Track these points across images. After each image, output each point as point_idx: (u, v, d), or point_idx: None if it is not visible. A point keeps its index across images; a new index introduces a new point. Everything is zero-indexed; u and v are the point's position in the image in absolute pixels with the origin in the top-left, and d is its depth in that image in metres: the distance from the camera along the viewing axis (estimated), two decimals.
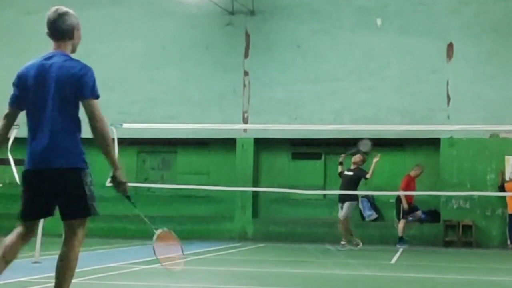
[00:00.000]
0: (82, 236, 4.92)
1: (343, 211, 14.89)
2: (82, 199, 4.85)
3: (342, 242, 14.97)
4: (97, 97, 4.87)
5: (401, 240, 16.01)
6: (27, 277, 8.04)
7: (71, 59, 4.95)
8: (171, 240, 5.41)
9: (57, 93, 4.82)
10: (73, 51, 5.08)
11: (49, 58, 4.95)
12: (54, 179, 4.83)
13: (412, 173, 16.34)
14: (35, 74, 4.89)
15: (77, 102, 4.88)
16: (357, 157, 15.21)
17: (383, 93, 17.80)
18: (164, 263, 5.42)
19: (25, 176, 4.94)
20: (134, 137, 17.46)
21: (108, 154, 4.88)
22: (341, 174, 15.37)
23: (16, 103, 5.00)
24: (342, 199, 14.95)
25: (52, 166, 4.81)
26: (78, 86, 4.82)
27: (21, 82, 4.96)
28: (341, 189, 15.08)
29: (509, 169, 16.78)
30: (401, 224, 16.10)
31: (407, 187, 16.05)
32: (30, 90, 4.90)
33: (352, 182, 15.00)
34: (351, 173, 15.08)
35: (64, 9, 5.05)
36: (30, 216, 4.96)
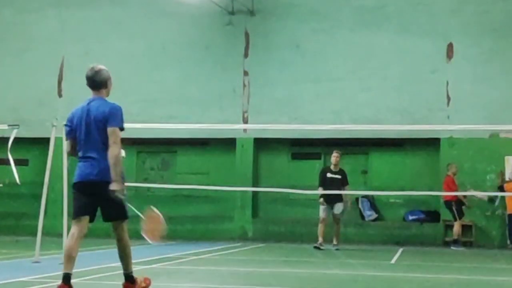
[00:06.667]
0: (126, 227, 6.65)
1: (339, 212, 14.69)
2: (120, 206, 6.40)
3: (334, 242, 14.71)
4: (121, 127, 6.39)
5: (456, 242, 16.03)
6: (27, 277, 8.04)
7: (106, 102, 6.55)
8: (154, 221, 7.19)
9: (97, 127, 6.36)
10: (108, 94, 6.74)
11: (90, 102, 6.54)
12: (98, 188, 6.30)
13: (450, 173, 16.30)
14: (80, 115, 6.47)
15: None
16: (337, 156, 14.84)
17: (383, 93, 17.80)
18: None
19: (76, 186, 6.44)
20: (134, 137, 17.45)
21: (112, 168, 6.28)
22: (325, 177, 14.79)
23: (71, 135, 6.55)
24: (334, 200, 14.59)
25: (96, 179, 6.31)
26: (108, 118, 6.35)
27: (71, 122, 6.52)
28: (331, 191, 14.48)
29: (509, 169, 16.77)
30: (458, 225, 16.09)
31: (454, 186, 16.04)
32: (78, 125, 6.45)
33: (341, 184, 14.70)
34: (339, 176, 14.75)
35: (98, 66, 6.66)
36: (80, 215, 6.39)
